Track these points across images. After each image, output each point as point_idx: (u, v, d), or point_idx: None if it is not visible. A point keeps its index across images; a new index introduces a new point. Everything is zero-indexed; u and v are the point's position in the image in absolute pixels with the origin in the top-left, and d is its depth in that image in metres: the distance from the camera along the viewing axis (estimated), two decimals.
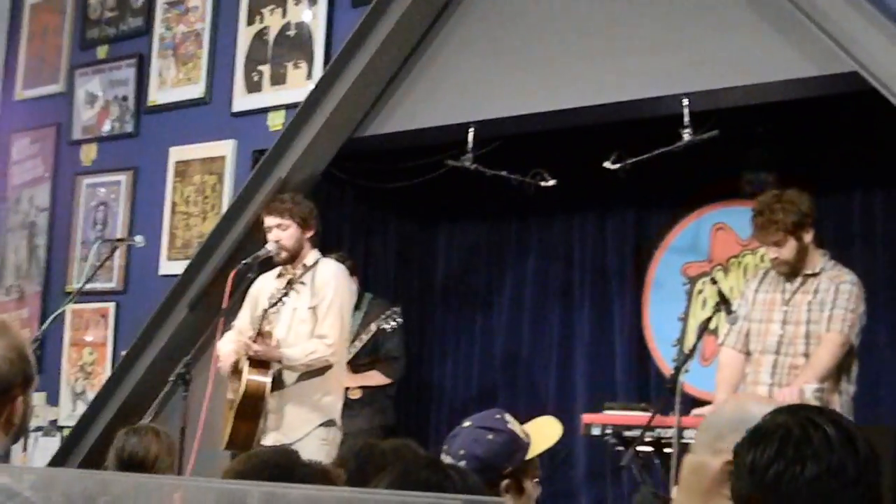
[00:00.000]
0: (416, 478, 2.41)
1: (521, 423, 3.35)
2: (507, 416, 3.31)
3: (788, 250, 5.37)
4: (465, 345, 8.23)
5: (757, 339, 5.51)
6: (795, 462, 1.96)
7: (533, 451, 3.26)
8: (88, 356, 8.06)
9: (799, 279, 5.44)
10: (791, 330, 5.39)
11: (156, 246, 7.75)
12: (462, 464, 3.12)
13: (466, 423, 3.25)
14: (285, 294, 5.64)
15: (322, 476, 2.70)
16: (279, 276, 5.93)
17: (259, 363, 5.64)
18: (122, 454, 4.35)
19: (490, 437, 3.18)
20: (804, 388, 5.07)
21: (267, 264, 6.04)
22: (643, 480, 5.36)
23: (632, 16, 6.10)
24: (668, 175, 6.97)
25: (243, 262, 6.04)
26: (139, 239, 7.09)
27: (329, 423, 5.74)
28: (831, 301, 5.31)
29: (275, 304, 5.66)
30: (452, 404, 8.21)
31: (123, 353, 7.38)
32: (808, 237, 5.39)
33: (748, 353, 5.59)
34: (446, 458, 3.17)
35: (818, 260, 5.44)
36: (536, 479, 3.26)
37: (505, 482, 3.16)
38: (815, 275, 5.41)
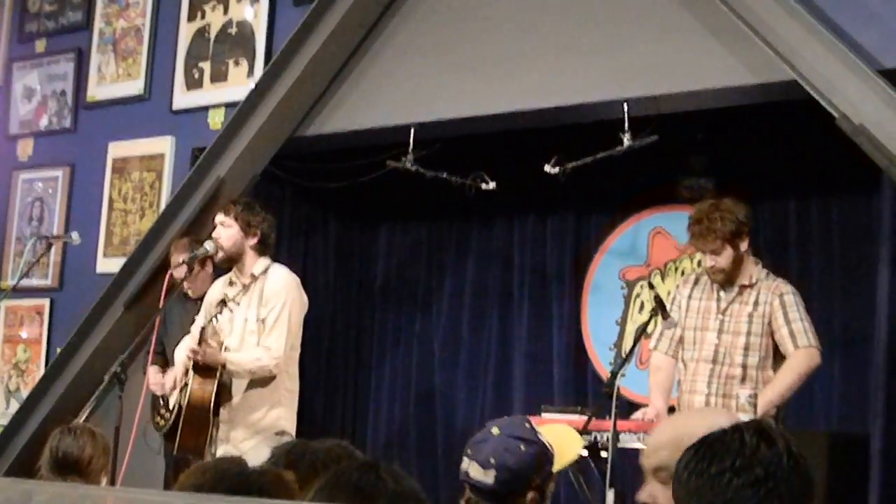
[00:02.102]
0: (349, 479, 2.38)
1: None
2: (535, 425, 3.25)
3: (725, 259, 5.41)
4: (403, 346, 8.22)
5: (692, 346, 5.54)
6: (704, 459, 2.02)
7: (558, 464, 3.22)
8: (22, 353, 7.97)
9: (735, 289, 5.47)
10: (728, 340, 5.42)
11: (93, 243, 7.69)
12: (491, 472, 3.06)
13: (494, 431, 3.16)
14: (219, 312, 5.62)
15: (278, 481, 2.69)
16: (231, 283, 5.89)
17: (204, 371, 5.62)
18: (57, 454, 4.30)
19: (522, 447, 3.10)
20: (739, 395, 5.11)
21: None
22: (578, 484, 5.38)
23: (574, 20, 6.12)
24: (608, 179, 7.00)
25: (181, 260, 6.00)
26: (74, 236, 7.02)
27: (281, 433, 5.71)
28: (782, 315, 5.34)
29: (209, 320, 5.64)
30: (391, 405, 8.20)
31: (58, 350, 7.32)
32: (744, 246, 5.44)
33: (682, 359, 5.64)
34: (471, 464, 3.11)
35: (752, 270, 5.48)
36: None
37: (531, 494, 3.12)
38: (751, 286, 5.45)
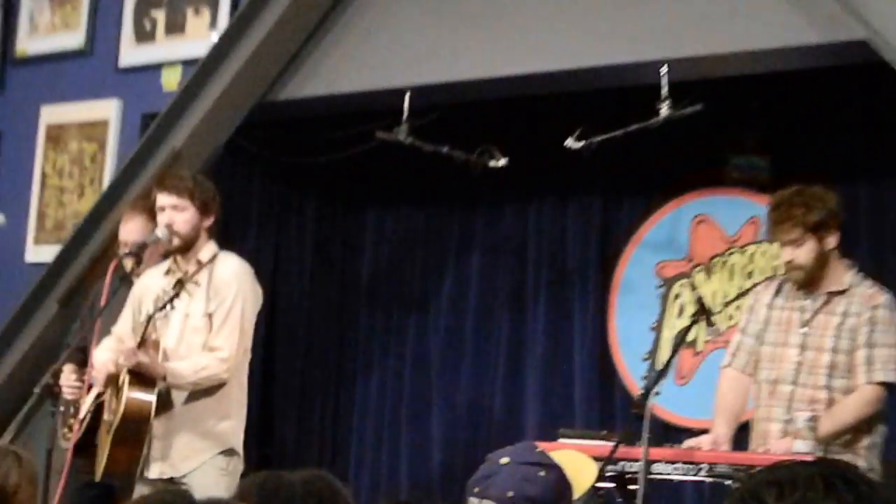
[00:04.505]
0: None
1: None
2: (544, 450, 3.32)
3: (805, 253, 5.33)
4: (394, 356, 8.21)
5: (770, 365, 5.46)
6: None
7: (576, 491, 3.28)
8: None
9: (822, 296, 5.41)
10: (811, 357, 5.36)
11: (21, 227, 7.70)
12: None
13: (504, 460, 3.22)
14: (175, 296, 5.60)
15: None
16: (168, 272, 5.88)
17: (142, 378, 5.61)
18: None
19: (542, 474, 3.17)
20: (796, 417, 5.11)
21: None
22: None
23: None
24: (642, 157, 7.00)
25: (127, 250, 6.00)
26: (1, 218, 7.04)
27: (229, 452, 5.73)
28: (867, 333, 5.28)
29: (162, 307, 5.61)
30: (378, 426, 8.18)
31: None
32: (831, 241, 5.35)
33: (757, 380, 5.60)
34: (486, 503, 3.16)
35: (844, 274, 5.40)
36: None
37: None
38: (841, 292, 5.38)
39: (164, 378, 5.60)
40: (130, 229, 6.19)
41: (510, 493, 3.12)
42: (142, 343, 5.57)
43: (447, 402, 7.96)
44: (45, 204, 7.72)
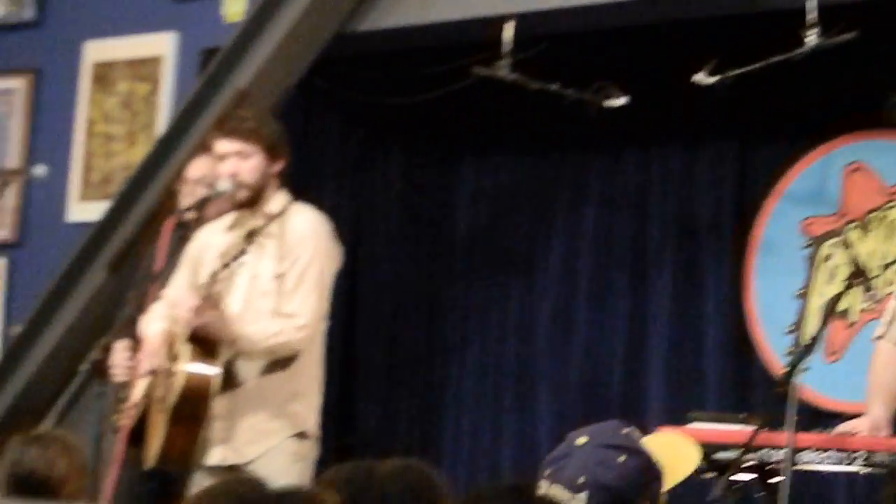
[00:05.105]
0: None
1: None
2: (634, 431, 3.32)
3: None
4: (496, 326, 8.23)
5: None
6: None
7: (669, 481, 3.27)
8: None
9: None
10: None
11: (63, 181, 7.78)
12: (582, 496, 3.11)
13: (581, 440, 3.22)
14: (243, 251, 5.59)
15: None
16: (232, 227, 5.90)
17: (203, 347, 5.62)
18: (19, 470, 4.35)
19: (622, 458, 3.17)
20: None
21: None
22: None
23: None
24: (785, 94, 6.96)
25: (185, 206, 6.04)
26: (40, 170, 7.10)
27: (302, 436, 5.76)
28: None
29: (228, 263, 5.61)
30: (478, 408, 8.20)
31: (17, 329, 7.41)
32: None
33: None
34: (555, 488, 3.16)
35: None
36: None
37: None
38: None
39: (235, 343, 5.63)
40: (198, 166, 6.21)
41: (581, 479, 3.12)
42: (206, 303, 5.58)
43: (557, 382, 7.98)
44: (91, 154, 7.79)
